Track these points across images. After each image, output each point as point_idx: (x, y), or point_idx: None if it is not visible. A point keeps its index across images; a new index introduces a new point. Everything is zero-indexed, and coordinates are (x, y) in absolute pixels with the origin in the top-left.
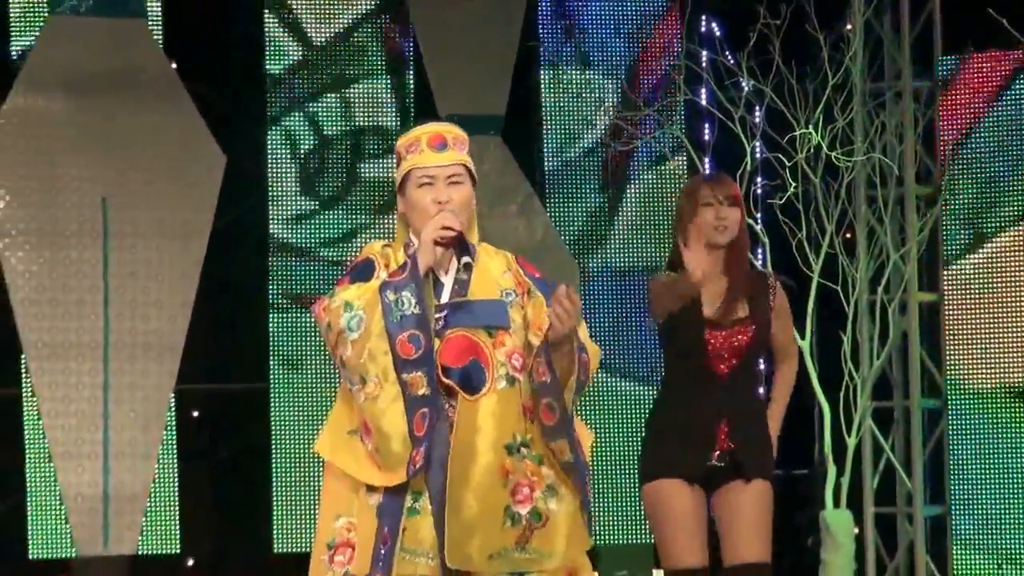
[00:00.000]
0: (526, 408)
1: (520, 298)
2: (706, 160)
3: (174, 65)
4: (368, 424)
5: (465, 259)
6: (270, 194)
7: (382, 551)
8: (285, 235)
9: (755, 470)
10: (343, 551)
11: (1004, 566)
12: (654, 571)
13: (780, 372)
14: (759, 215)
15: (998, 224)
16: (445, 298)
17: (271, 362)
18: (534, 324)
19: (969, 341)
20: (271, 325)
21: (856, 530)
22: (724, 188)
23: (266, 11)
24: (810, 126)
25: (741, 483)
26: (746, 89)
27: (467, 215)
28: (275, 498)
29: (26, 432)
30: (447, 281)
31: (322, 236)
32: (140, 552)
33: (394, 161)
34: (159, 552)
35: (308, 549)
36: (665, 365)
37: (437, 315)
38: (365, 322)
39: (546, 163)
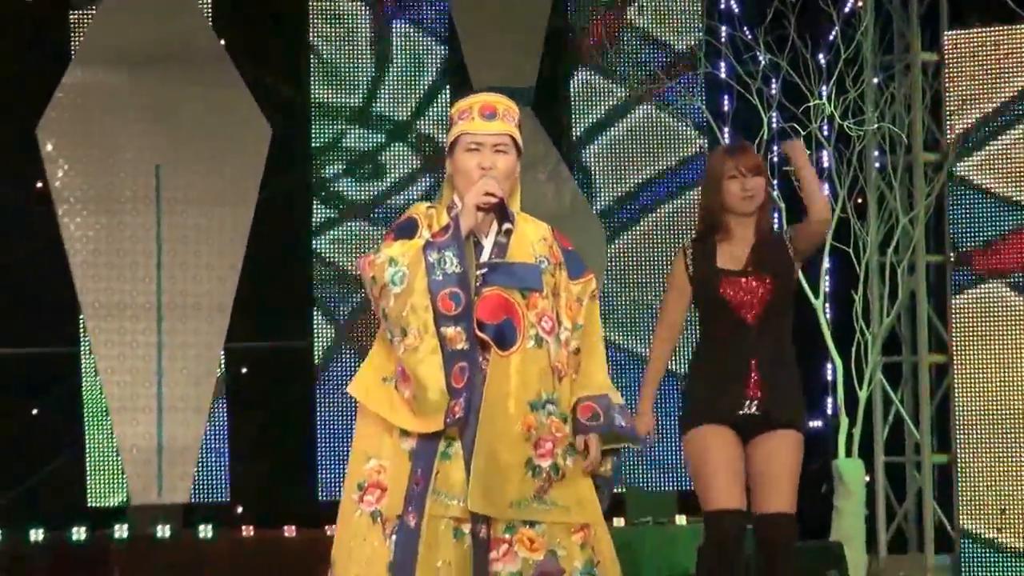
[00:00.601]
0: (554, 368)
1: (552, 267)
2: (726, 130)
3: (223, 41)
4: (406, 373)
5: (506, 225)
6: (313, 162)
7: (415, 492)
8: (327, 201)
9: (785, 421)
10: (372, 491)
11: (1007, 510)
12: (676, 517)
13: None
14: (776, 182)
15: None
16: (485, 257)
17: (314, 321)
18: (569, 305)
19: (974, 301)
20: (314, 288)
21: (867, 478)
22: (747, 160)
23: None
24: (823, 97)
25: (772, 434)
26: (763, 63)
27: (510, 183)
28: (319, 448)
29: (84, 388)
30: (487, 243)
31: (362, 199)
32: (192, 500)
33: (447, 125)
34: (210, 500)
35: None
36: (700, 319)
37: (479, 272)
38: (408, 278)
39: (574, 134)
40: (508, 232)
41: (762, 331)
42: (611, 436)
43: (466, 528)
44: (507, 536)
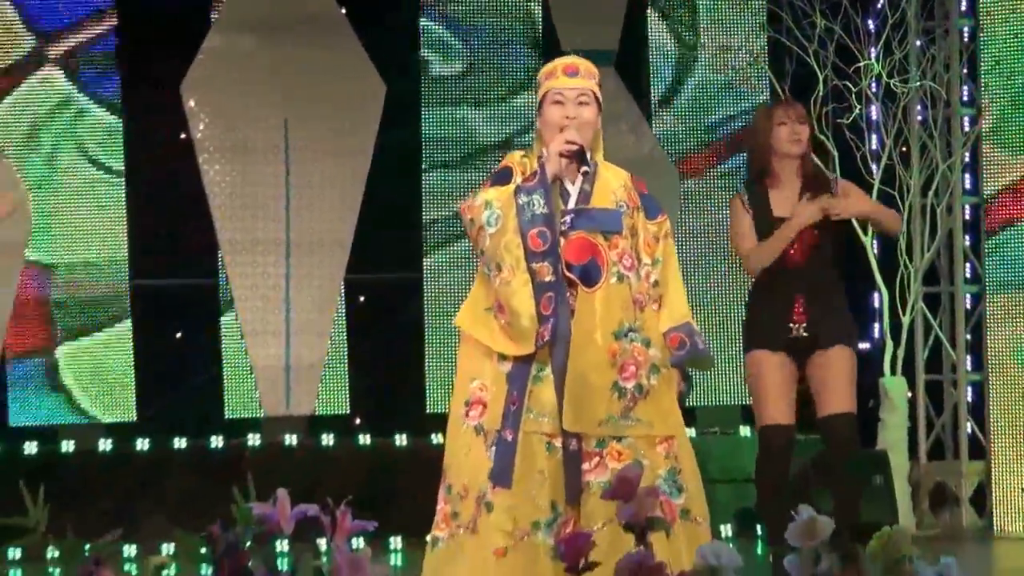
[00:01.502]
0: (635, 300)
1: (631, 210)
2: (786, 87)
3: (343, 10)
4: (501, 303)
5: (584, 168)
6: (422, 115)
7: (511, 410)
8: (436, 152)
9: (833, 339)
10: (476, 407)
11: None
12: (740, 427)
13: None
14: (829, 132)
15: None
16: (571, 204)
17: (424, 256)
18: (648, 243)
19: (1007, 236)
20: (424, 228)
21: (909, 394)
22: (795, 109)
23: None
24: (872, 58)
25: (824, 351)
26: (819, 28)
27: (591, 133)
28: (427, 367)
29: (222, 314)
30: (573, 190)
31: (467, 151)
32: (316, 413)
33: (536, 87)
34: (331, 412)
35: None
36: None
37: (563, 218)
38: (502, 219)
39: (652, 93)
40: (588, 176)
41: (808, 266)
42: (693, 360)
43: (557, 442)
44: (598, 450)
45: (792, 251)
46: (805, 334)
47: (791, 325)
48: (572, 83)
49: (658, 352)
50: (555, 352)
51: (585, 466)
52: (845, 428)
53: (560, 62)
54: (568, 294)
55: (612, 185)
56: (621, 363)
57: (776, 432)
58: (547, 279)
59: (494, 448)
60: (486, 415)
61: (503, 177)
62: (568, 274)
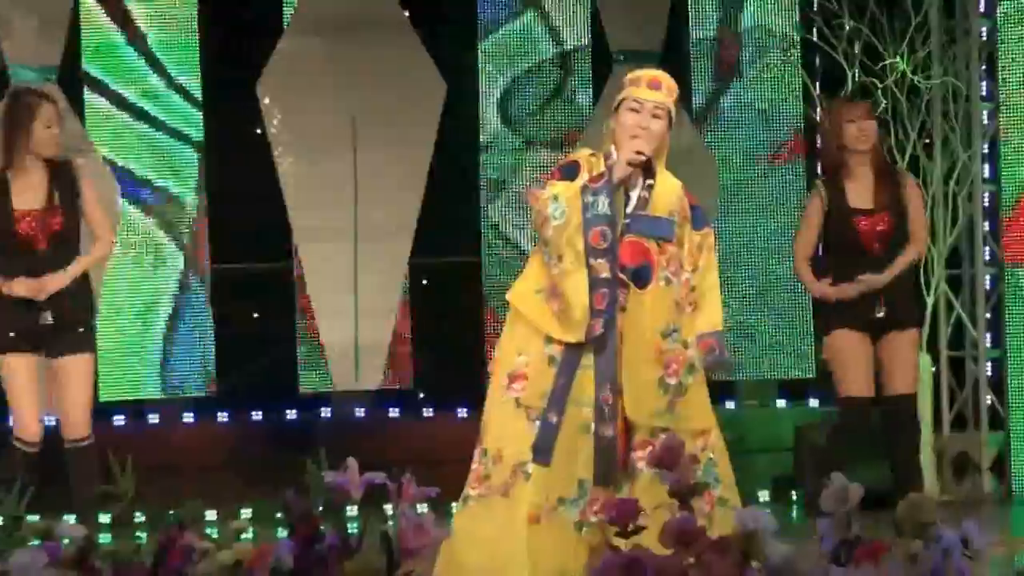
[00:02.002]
0: (677, 303)
1: (680, 220)
2: (816, 83)
3: (406, 13)
4: (557, 290)
5: (648, 181)
6: (480, 111)
7: (557, 396)
8: (493, 141)
9: (907, 322)
10: (520, 381)
11: None
12: (777, 401)
13: (906, 251)
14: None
15: None
16: (631, 208)
17: (482, 241)
18: (691, 253)
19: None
20: (482, 215)
21: (933, 369)
22: (860, 108)
23: None
24: (898, 56)
25: (897, 332)
26: (847, 27)
27: (659, 144)
28: (485, 344)
29: (295, 296)
30: (634, 195)
31: (524, 140)
32: (382, 387)
33: (619, 89)
34: (397, 387)
35: None
36: (825, 249)
37: (624, 220)
38: (567, 214)
39: (692, 90)
40: (650, 187)
41: (886, 255)
42: (717, 364)
43: (592, 427)
44: (651, 439)
45: (869, 241)
46: (882, 316)
47: (872, 308)
48: (652, 96)
49: (693, 352)
50: (601, 348)
51: (638, 453)
52: (905, 407)
53: (647, 74)
54: (620, 293)
55: (668, 196)
56: (666, 360)
57: (857, 403)
58: (603, 275)
59: (538, 423)
60: (526, 390)
61: (570, 171)
62: (621, 275)
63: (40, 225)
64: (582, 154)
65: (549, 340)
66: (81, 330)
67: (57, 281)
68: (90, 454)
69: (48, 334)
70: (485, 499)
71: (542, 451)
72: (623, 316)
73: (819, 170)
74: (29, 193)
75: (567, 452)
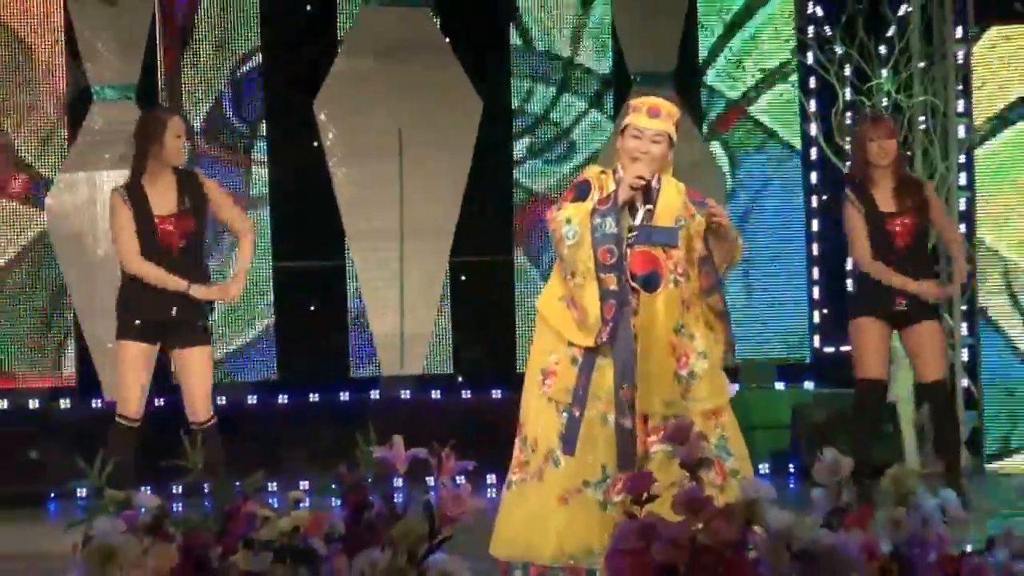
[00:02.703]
0: (685, 301)
1: (688, 220)
2: (812, 102)
3: (447, 39)
4: (575, 301)
5: (649, 205)
6: (513, 125)
7: (579, 393)
8: (525, 156)
9: (928, 314)
10: (551, 377)
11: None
12: (776, 383)
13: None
14: (848, 139)
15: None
16: (637, 222)
17: (514, 241)
18: (697, 236)
19: (995, 224)
20: (514, 219)
21: None
22: (881, 128)
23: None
24: (883, 78)
25: (921, 324)
26: (839, 52)
27: (660, 165)
28: (518, 334)
29: (348, 290)
30: (640, 210)
31: (551, 155)
32: (425, 372)
33: (623, 112)
34: (438, 372)
35: None
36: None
37: (630, 234)
38: (579, 235)
39: (703, 105)
40: (655, 200)
41: (910, 253)
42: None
43: (611, 418)
44: (662, 424)
45: (899, 239)
46: (904, 308)
47: (895, 300)
48: (652, 124)
49: (701, 341)
50: (615, 349)
51: (652, 438)
52: (940, 392)
53: (647, 101)
54: (632, 298)
55: (673, 203)
56: (678, 354)
57: (872, 385)
58: (612, 288)
59: (564, 415)
60: (555, 385)
61: (582, 191)
62: (631, 283)
63: (175, 229)
64: (593, 172)
65: (571, 343)
66: (201, 324)
67: (236, 286)
68: (212, 435)
69: (171, 328)
70: (524, 483)
71: (568, 442)
72: (636, 319)
73: (845, 179)
74: (162, 199)
75: (590, 440)
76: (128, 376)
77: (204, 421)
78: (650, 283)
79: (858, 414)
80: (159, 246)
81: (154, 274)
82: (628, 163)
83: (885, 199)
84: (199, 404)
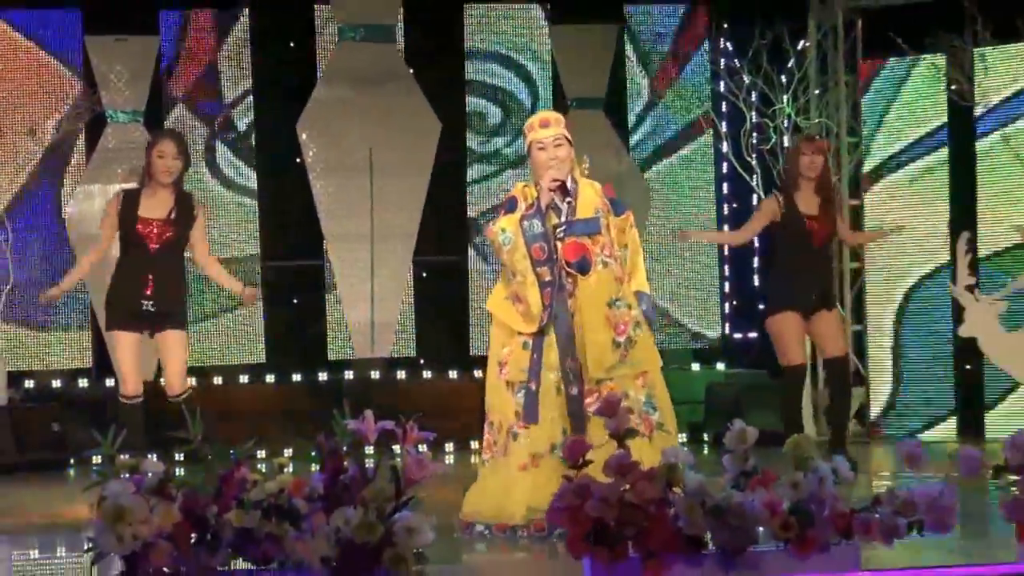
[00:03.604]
0: (618, 278)
1: (605, 213)
2: (723, 124)
3: (411, 71)
4: (519, 296)
5: (568, 199)
6: (466, 142)
7: (533, 370)
8: (476, 168)
9: (832, 303)
10: (504, 366)
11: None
12: (693, 365)
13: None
14: (754, 155)
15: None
16: (563, 218)
17: (468, 243)
18: (618, 230)
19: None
20: (467, 224)
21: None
22: (814, 144)
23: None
24: (785, 103)
25: (826, 311)
26: (747, 81)
27: (568, 164)
28: (471, 323)
29: (326, 285)
30: (564, 208)
31: (497, 166)
32: (392, 355)
33: (523, 135)
34: (404, 356)
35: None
36: (776, 244)
37: (560, 229)
38: (513, 240)
39: (629, 126)
40: (574, 199)
41: (822, 247)
42: (645, 316)
43: (562, 388)
44: (596, 387)
45: (815, 237)
46: (815, 299)
47: (809, 293)
48: (548, 133)
49: (637, 312)
50: (556, 328)
51: (588, 400)
52: (843, 365)
53: (536, 118)
54: (569, 283)
55: (590, 198)
56: (615, 323)
57: (797, 369)
58: (547, 278)
59: (520, 394)
60: (510, 372)
61: (512, 205)
62: (568, 269)
63: (156, 232)
64: (518, 188)
65: (520, 332)
66: (176, 312)
67: (249, 290)
68: (190, 405)
69: (151, 317)
70: (493, 460)
71: (530, 414)
72: (574, 300)
73: (778, 183)
74: (155, 207)
75: (549, 409)
76: (121, 360)
77: (179, 394)
78: (583, 267)
79: (789, 395)
80: (137, 242)
81: (76, 269)
82: (543, 172)
83: (807, 204)
84: (174, 380)
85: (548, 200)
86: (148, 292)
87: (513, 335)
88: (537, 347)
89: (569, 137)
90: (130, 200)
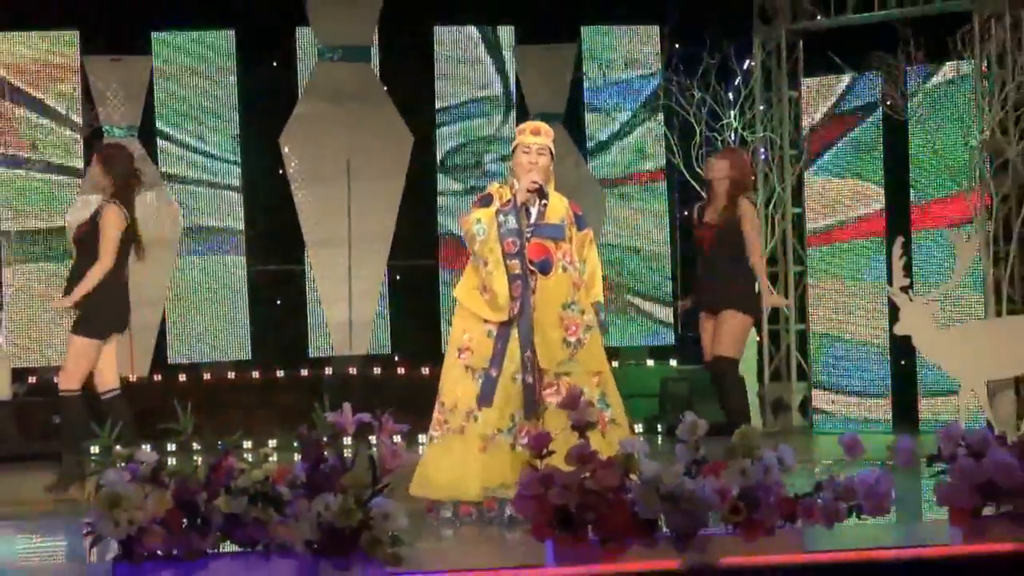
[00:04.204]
0: (574, 283)
1: (569, 225)
2: (675, 137)
3: (385, 88)
4: (486, 286)
5: (543, 201)
6: (435, 153)
7: (496, 358)
8: (446, 176)
9: (724, 305)
10: (466, 353)
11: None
12: (647, 360)
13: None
14: (704, 167)
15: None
16: (532, 220)
17: (439, 248)
18: (578, 244)
19: (822, 239)
20: (439, 230)
21: (758, 338)
22: (722, 152)
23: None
24: (732, 117)
25: (721, 312)
26: (696, 97)
27: (546, 174)
28: (442, 322)
29: (307, 287)
30: (534, 211)
31: (464, 177)
32: (369, 352)
33: (512, 138)
34: (379, 353)
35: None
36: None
37: (528, 229)
38: (487, 231)
39: (587, 138)
40: (545, 204)
41: (711, 257)
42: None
43: (519, 377)
44: (555, 380)
45: (704, 247)
46: (710, 301)
47: (704, 295)
48: (535, 140)
49: (590, 317)
50: (520, 320)
51: (546, 392)
52: (724, 365)
53: (529, 124)
54: (531, 280)
55: (558, 208)
56: (566, 325)
57: (719, 363)
58: (516, 272)
59: (480, 380)
60: (472, 358)
61: (487, 200)
62: (531, 267)
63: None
64: (494, 187)
65: (486, 320)
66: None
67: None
68: (120, 399)
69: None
70: (445, 437)
71: (486, 397)
72: (535, 297)
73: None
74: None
75: (503, 396)
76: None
77: (112, 389)
78: (545, 268)
79: (720, 387)
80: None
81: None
82: (523, 174)
83: (711, 214)
84: (108, 376)
85: (525, 199)
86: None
87: (478, 323)
88: (502, 336)
89: (553, 150)
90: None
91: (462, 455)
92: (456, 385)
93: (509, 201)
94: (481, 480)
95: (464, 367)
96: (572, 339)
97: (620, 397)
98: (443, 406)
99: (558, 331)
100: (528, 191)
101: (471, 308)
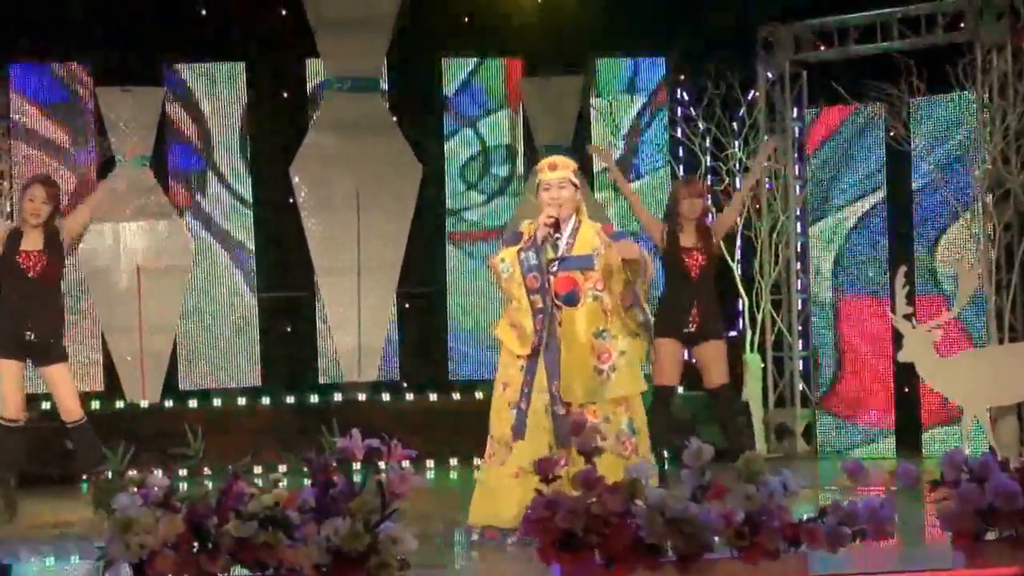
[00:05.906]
0: (606, 310)
1: (603, 250)
2: (680, 167)
3: (395, 118)
4: (513, 322)
5: (571, 232)
6: (445, 184)
7: (525, 391)
8: (455, 205)
9: (713, 334)
10: (505, 387)
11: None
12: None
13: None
14: (708, 196)
15: (841, 200)
16: (559, 253)
17: (447, 276)
18: (616, 263)
19: (821, 262)
20: (447, 258)
21: (763, 365)
22: (694, 187)
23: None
24: (736, 147)
25: (706, 342)
26: (701, 127)
27: (572, 205)
28: (449, 350)
29: (317, 314)
30: (561, 244)
31: (473, 202)
32: (378, 379)
33: (533, 173)
34: (388, 379)
35: (475, 377)
36: (665, 273)
37: (552, 264)
38: (511, 270)
39: (593, 167)
40: (573, 235)
41: (699, 284)
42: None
43: (549, 408)
44: (580, 410)
45: (691, 271)
46: (694, 330)
47: (688, 323)
48: (553, 175)
49: (622, 342)
50: (546, 353)
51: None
52: (727, 394)
53: (547, 161)
54: (557, 312)
55: (589, 237)
56: (598, 353)
57: (665, 390)
58: (539, 306)
59: (514, 412)
60: (511, 391)
61: (514, 238)
62: (557, 301)
63: (33, 262)
64: (524, 224)
65: (519, 355)
66: (53, 343)
67: None
68: (87, 430)
69: (30, 347)
70: (491, 468)
71: (518, 430)
72: (561, 329)
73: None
74: (29, 242)
75: (537, 427)
76: (3, 387)
77: (76, 421)
78: (571, 300)
79: (655, 410)
80: (18, 273)
81: None
82: (544, 210)
83: (688, 238)
84: (70, 407)
85: (544, 234)
86: (29, 323)
87: (513, 359)
88: (530, 370)
89: (575, 181)
90: (14, 236)
91: (498, 484)
92: (499, 419)
93: (531, 238)
94: (518, 507)
95: (506, 402)
96: (604, 367)
97: (645, 424)
98: (492, 439)
99: (589, 360)
100: (545, 225)
101: (506, 343)
